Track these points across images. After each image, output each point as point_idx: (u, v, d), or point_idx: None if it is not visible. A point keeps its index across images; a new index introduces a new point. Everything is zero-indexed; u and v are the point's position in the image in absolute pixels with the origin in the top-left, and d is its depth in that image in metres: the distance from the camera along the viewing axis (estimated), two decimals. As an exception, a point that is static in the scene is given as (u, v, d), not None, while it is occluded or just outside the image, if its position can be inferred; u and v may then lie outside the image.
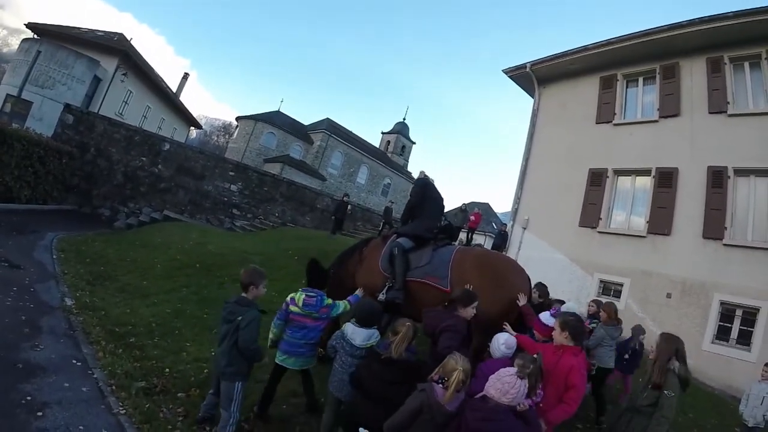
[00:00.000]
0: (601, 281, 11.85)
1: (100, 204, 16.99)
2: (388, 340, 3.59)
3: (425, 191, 5.36)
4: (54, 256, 9.45)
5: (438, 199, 5.57)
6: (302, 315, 4.16)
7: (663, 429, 3.55)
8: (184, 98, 37.92)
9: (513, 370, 2.81)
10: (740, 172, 10.31)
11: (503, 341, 3.67)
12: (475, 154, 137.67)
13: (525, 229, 14.09)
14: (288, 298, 4.25)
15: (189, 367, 5.07)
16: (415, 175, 51.84)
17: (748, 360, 8.81)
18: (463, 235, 20.39)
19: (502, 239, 15.15)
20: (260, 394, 4.32)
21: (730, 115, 10.67)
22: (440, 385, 2.77)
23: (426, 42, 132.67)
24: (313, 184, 38.67)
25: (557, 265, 11.48)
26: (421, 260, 4.79)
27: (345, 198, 15.72)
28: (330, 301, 4.37)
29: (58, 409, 3.90)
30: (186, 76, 38.82)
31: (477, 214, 20.61)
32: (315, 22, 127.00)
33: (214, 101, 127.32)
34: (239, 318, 3.73)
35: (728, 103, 10.76)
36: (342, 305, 4.40)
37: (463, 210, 20.41)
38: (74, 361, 4.86)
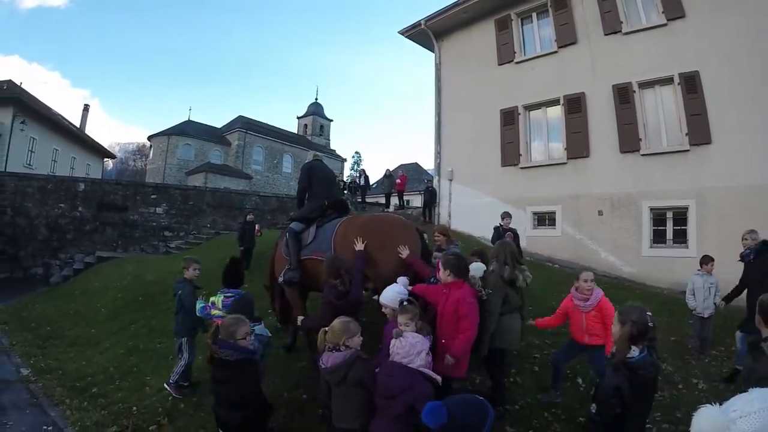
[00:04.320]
0: (534, 213, 12.28)
1: (30, 264, 16.02)
2: None
3: (310, 174, 5.62)
4: (-2, 331, 9.14)
5: (326, 178, 5.82)
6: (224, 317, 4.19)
7: (488, 322, 3.99)
8: (92, 131, 35.89)
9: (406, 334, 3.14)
10: (644, 85, 10.78)
11: (396, 284, 3.93)
12: (395, 118, 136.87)
13: (451, 180, 14.34)
14: (209, 303, 4.58)
15: (154, 399, 5.14)
16: (339, 152, 53.19)
17: (689, 256, 9.19)
18: (395, 200, 21.02)
19: (431, 195, 15.18)
20: None
21: (626, 33, 11.05)
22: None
23: (321, 18, 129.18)
24: (240, 185, 38.20)
25: (489, 207, 11.71)
26: (308, 238, 5.13)
27: (249, 217, 11.66)
28: None
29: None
30: (87, 107, 36.52)
31: (402, 177, 21.22)
32: (201, 22, 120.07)
33: (125, 125, 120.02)
34: (179, 291, 5.19)
35: (621, 22, 11.14)
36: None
37: (388, 176, 21.04)
38: (45, 427, 4.86)
